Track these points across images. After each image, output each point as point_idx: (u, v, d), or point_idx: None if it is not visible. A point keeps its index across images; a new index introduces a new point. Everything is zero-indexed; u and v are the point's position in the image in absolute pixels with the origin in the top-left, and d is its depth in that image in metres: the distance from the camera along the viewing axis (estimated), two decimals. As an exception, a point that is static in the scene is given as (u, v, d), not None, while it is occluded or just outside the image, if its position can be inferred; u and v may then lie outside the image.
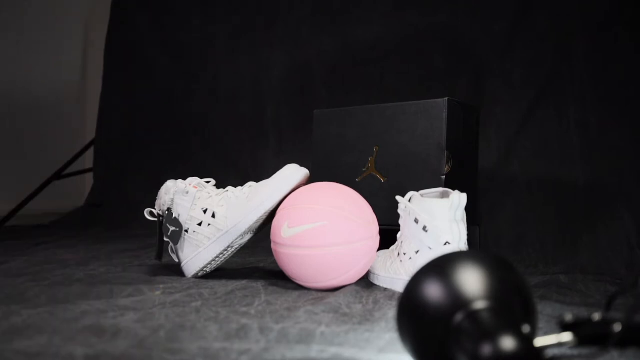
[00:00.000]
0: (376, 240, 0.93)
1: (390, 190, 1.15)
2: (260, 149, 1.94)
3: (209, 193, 0.99)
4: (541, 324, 0.68)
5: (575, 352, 0.52)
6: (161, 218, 0.99)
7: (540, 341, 0.48)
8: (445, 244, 0.86)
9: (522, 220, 1.40)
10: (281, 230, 0.90)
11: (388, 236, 0.99)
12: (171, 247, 1.01)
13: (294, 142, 1.84)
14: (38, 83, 2.19)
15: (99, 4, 2.36)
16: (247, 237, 0.97)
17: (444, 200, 0.88)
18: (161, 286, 0.90)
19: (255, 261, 1.19)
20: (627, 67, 1.37)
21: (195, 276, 0.99)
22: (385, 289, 0.92)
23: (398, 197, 0.95)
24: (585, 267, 1.15)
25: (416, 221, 0.89)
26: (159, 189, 1.02)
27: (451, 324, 0.45)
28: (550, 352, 0.49)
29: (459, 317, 0.45)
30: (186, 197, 0.98)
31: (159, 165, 2.04)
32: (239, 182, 1.08)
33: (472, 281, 0.47)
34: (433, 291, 0.47)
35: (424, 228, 0.88)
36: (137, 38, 2.21)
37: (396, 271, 0.92)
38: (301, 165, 1.00)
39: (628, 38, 1.37)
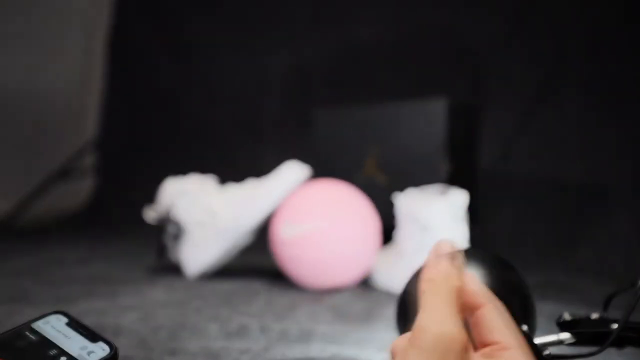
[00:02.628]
0: (376, 239, 0.93)
1: (390, 190, 1.15)
2: (261, 149, 1.94)
3: (209, 192, 0.99)
4: (540, 323, 0.68)
5: (574, 351, 0.52)
6: (162, 218, 1.00)
7: (538, 340, 0.48)
8: (444, 244, 0.86)
9: (522, 220, 1.41)
10: (281, 230, 0.90)
11: (388, 236, 1.00)
12: (171, 247, 1.01)
13: (294, 142, 1.84)
14: (38, 83, 2.19)
15: (100, 4, 2.36)
16: (248, 237, 0.98)
17: (444, 200, 0.88)
18: (162, 286, 0.91)
19: (255, 261, 1.19)
20: (627, 67, 1.37)
21: (196, 276, 0.99)
22: (385, 289, 0.92)
23: (397, 197, 0.95)
24: (585, 267, 1.15)
25: (416, 220, 0.89)
26: (159, 188, 1.02)
27: (450, 323, 0.45)
28: (548, 351, 0.49)
29: (458, 316, 0.45)
30: (186, 197, 0.98)
31: (159, 165, 2.04)
32: (238, 182, 1.08)
33: (471, 280, 0.47)
34: (432, 290, 0.47)
35: (424, 227, 0.88)
36: (137, 38, 2.21)
37: (395, 270, 0.92)
38: (301, 165, 1.00)
39: (628, 38, 1.37)
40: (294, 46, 1.93)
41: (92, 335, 0.40)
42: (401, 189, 1.04)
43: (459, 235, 0.88)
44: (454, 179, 1.12)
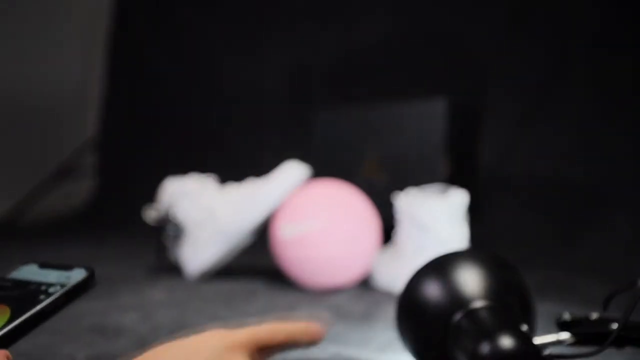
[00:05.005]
0: (376, 239, 0.93)
1: (390, 190, 1.15)
2: (260, 149, 1.94)
3: (209, 192, 0.99)
4: (540, 323, 0.68)
5: (573, 350, 0.52)
6: (161, 218, 0.99)
7: (538, 340, 0.48)
8: (444, 244, 0.86)
9: (522, 219, 1.41)
10: (281, 230, 0.90)
11: (388, 236, 1.00)
12: (172, 247, 1.01)
13: (294, 142, 1.84)
14: (38, 83, 2.19)
15: (100, 4, 2.37)
16: (248, 236, 0.98)
17: (444, 200, 0.88)
18: (162, 286, 0.91)
19: (255, 261, 1.19)
20: (627, 68, 1.37)
21: (196, 276, 0.99)
22: (385, 289, 0.92)
23: (398, 196, 0.95)
24: (585, 267, 1.15)
25: (415, 220, 0.89)
26: (159, 188, 1.02)
27: (450, 323, 0.45)
28: (548, 351, 0.49)
29: (458, 315, 0.45)
30: (186, 197, 0.98)
31: (159, 165, 2.04)
32: (238, 182, 1.08)
33: (471, 280, 0.47)
34: (432, 290, 0.48)
35: (424, 227, 0.88)
36: (137, 38, 2.21)
37: (396, 270, 0.92)
38: (301, 165, 1.00)
39: (628, 38, 1.38)
40: (294, 46, 1.93)
41: (66, 267, 0.41)
42: (401, 189, 1.04)
43: (459, 235, 0.88)
44: (454, 179, 1.12)
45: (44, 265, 0.42)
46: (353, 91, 1.78)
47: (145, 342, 0.60)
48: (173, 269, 1.04)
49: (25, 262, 0.43)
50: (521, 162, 1.48)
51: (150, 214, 1.01)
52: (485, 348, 0.40)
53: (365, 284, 0.95)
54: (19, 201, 1.87)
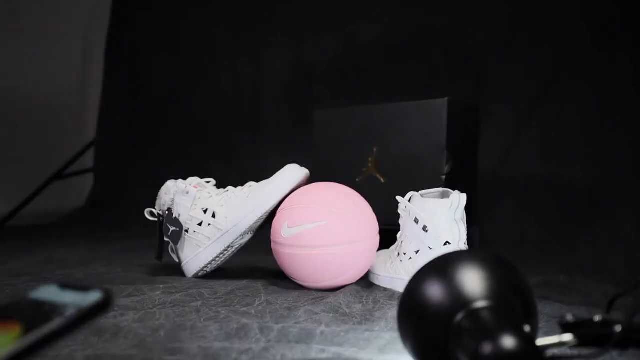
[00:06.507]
0: (376, 240, 0.93)
1: (390, 190, 1.14)
2: (260, 149, 1.94)
3: (209, 193, 0.99)
4: (541, 324, 0.67)
5: (576, 352, 0.52)
6: (161, 218, 0.99)
7: (540, 341, 0.48)
8: (445, 244, 0.86)
9: (522, 220, 1.41)
10: (281, 230, 0.90)
11: (388, 236, 1.00)
12: (171, 247, 1.01)
13: (294, 142, 1.84)
14: (38, 83, 2.19)
15: (100, 3, 2.37)
16: (247, 237, 0.97)
17: (444, 200, 0.88)
18: (161, 286, 0.90)
19: (255, 261, 1.19)
20: (627, 67, 1.37)
21: (196, 276, 0.99)
22: (385, 289, 0.92)
23: (398, 197, 0.95)
24: (585, 267, 1.15)
25: (416, 221, 0.89)
26: (159, 189, 1.02)
27: (452, 323, 0.45)
28: (550, 352, 0.49)
29: (459, 316, 0.45)
30: (186, 197, 0.98)
31: (159, 165, 2.04)
32: (239, 182, 1.08)
33: (472, 281, 0.47)
34: (434, 291, 0.47)
35: (424, 228, 0.88)
36: (137, 38, 2.21)
37: (396, 271, 0.92)
38: (301, 165, 1.00)
39: (628, 38, 1.37)
40: (294, 46, 1.93)
41: (84, 288, 0.42)
42: (401, 189, 1.04)
43: (459, 235, 0.88)
44: (454, 179, 1.12)
45: (63, 285, 0.43)
46: (353, 91, 1.78)
47: (144, 343, 0.60)
48: (173, 269, 1.04)
49: (47, 282, 0.43)
50: (521, 162, 1.48)
51: (151, 214, 1.00)
52: (487, 348, 0.40)
53: (365, 284, 0.95)
54: (19, 201, 1.87)
